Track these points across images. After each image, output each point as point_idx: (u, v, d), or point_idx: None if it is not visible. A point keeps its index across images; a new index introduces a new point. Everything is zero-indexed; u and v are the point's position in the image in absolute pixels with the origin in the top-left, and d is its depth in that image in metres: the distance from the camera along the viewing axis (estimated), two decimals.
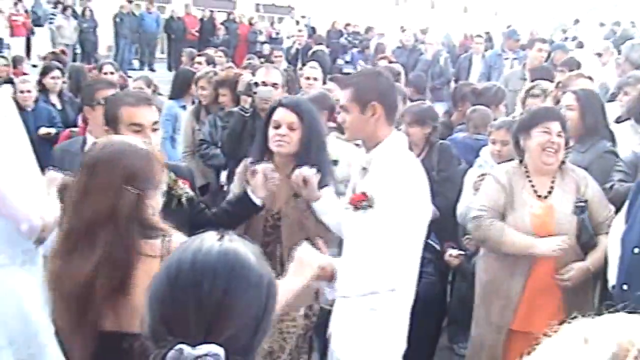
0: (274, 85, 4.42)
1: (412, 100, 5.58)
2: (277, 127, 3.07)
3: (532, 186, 3.42)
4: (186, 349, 1.21)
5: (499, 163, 4.30)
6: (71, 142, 3.94)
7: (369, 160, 2.82)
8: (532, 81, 6.03)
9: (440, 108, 6.76)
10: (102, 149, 2.10)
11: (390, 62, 7.80)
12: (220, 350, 1.22)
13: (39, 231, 2.90)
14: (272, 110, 3.16)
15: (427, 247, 4.24)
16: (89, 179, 2.05)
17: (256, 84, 4.48)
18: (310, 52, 12.35)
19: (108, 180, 2.03)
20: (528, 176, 3.44)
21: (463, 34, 19.17)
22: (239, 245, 1.38)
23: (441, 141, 4.66)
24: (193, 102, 6.11)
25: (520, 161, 3.50)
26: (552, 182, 3.41)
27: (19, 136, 3.02)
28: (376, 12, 24.77)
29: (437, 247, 4.33)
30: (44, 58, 8.46)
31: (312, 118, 3.13)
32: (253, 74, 4.94)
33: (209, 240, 1.37)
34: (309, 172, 2.96)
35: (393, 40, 15.42)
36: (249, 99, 4.51)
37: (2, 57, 9.02)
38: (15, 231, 2.91)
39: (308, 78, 5.82)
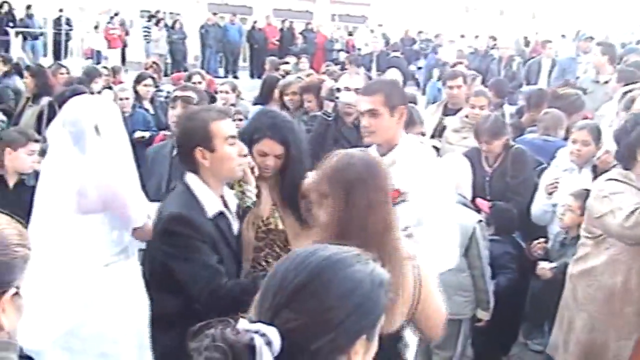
0: (356, 90, 4.42)
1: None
2: (263, 155, 2.84)
3: None
4: (242, 322, 1.18)
5: (577, 164, 4.19)
6: (162, 146, 4.21)
7: (390, 161, 2.80)
8: (618, 82, 5.79)
9: (509, 109, 6.63)
10: (362, 163, 2.06)
11: (468, 68, 7.67)
12: (274, 335, 1.16)
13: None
14: (256, 138, 2.83)
15: (512, 242, 4.19)
16: (364, 193, 2.00)
17: (338, 89, 4.50)
18: (387, 58, 12.32)
19: (384, 193, 2.04)
20: None
21: (534, 39, 18.69)
22: (361, 268, 1.27)
23: (516, 146, 4.56)
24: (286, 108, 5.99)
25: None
26: None
27: (124, 138, 3.13)
28: (447, 19, 24.46)
29: (523, 244, 4.25)
30: (146, 68, 8.69)
31: (298, 145, 2.89)
32: (335, 80, 4.96)
33: (343, 250, 1.30)
34: None
35: (464, 46, 15.23)
36: (332, 104, 4.53)
37: (105, 67, 9.36)
38: (113, 230, 3.00)
39: None
